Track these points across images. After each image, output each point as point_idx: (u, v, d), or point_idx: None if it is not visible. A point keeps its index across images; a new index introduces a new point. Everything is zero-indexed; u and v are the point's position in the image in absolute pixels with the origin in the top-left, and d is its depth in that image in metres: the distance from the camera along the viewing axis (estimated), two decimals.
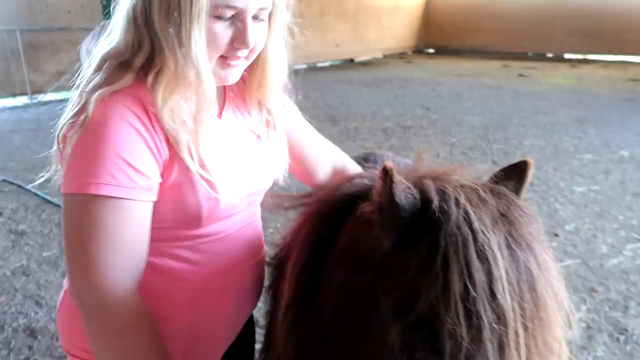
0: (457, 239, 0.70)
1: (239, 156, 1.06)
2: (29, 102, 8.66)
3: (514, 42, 21.41)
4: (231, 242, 1.08)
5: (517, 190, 0.87)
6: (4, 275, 3.14)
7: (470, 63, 17.72)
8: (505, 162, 4.48)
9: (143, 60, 0.92)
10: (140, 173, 0.87)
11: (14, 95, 8.57)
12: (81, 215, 0.86)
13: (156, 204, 0.93)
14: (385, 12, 20.30)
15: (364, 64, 17.47)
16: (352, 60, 18.12)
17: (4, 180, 4.68)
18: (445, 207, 0.73)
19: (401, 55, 21.11)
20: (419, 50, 23.30)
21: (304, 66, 15.30)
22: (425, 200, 0.76)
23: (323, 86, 11.08)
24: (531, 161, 0.88)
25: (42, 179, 1.08)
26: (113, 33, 0.97)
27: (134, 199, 0.87)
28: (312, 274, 0.91)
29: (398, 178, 0.74)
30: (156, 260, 0.99)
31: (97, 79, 0.91)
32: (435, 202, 0.74)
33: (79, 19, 9.43)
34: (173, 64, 0.90)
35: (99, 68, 0.93)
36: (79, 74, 0.98)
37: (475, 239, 0.70)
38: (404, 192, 0.74)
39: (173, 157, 0.92)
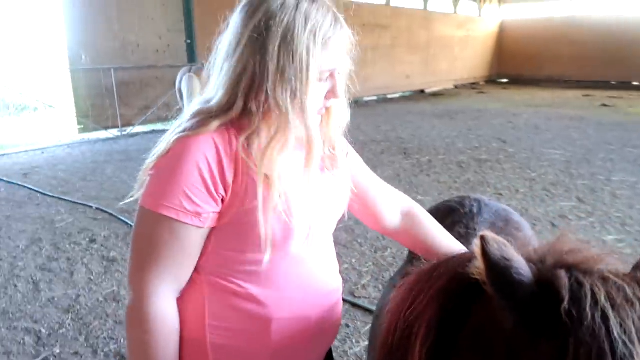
0: (590, 349, 0.60)
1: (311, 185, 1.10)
2: (119, 134, 9.35)
3: (594, 70, 20.40)
4: (307, 270, 1.12)
5: None
6: (97, 301, 3.35)
7: (547, 93, 17.01)
8: (592, 200, 4.24)
9: (230, 118, 1.01)
10: (197, 206, 0.98)
11: (106, 128, 9.30)
12: (147, 227, 1.01)
13: (231, 231, 1.04)
14: (457, 43, 20.10)
15: (435, 95, 17.30)
16: (422, 92, 18.02)
17: (97, 209, 5.05)
18: (579, 306, 0.63)
19: (473, 86, 20.73)
20: (491, 80, 22.78)
21: (375, 98, 15.42)
22: (555, 293, 0.66)
23: (394, 118, 11.07)
24: None
25: (124, 203, 1.17)
26: (210, 90, 1.07)
27: (188, 224, 0.99)
28: (441, 355, 0.83)
29: (496, 254, 0.68)
30: (237, 288, 1.06)
31: (185, 125, 1.02)
32: (566, 298, 0.64)
33: (165, 57, 10.15)
34: (281, 126, 1.00)
35: (191, 118, 1.03)
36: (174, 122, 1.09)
37: (613, 352, 0.59)
38: (511, 270, 0.67)
39: (237, 197, 1.01)
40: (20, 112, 12.06)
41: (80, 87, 9.04)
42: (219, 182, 0.99)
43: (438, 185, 5.78)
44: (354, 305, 3.21)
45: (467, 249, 1.26)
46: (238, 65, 1.00)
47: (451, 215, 1.64)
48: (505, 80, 22.79)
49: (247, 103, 1.01)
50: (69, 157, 7.59)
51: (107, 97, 9.29)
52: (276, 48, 0.97)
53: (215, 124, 0.99)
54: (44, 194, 5.58)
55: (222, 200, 1.01)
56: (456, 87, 20.17)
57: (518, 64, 22.53)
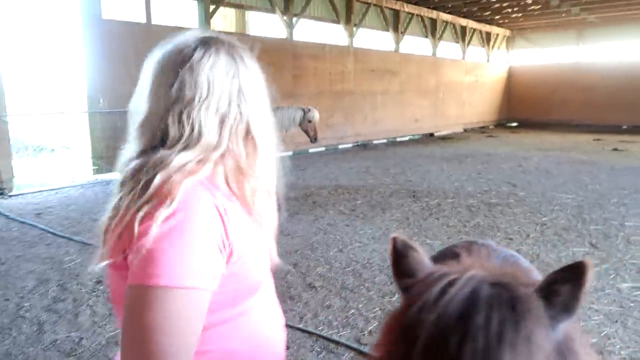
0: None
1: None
2: None
3: (604, 114, 20.48)
4: (255, 322, 1.11)
5: (573, 297, 0.76)
6: (99, 344, 3.31)
7: (557, 137, 17.04)
8: (605, 246, 4.15)
9: (217, 157, 1.05)
10: (212, 272, 0.94)
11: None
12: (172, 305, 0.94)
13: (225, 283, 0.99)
14: (465, 88, 20.40)
15: (444, 138, 17.40)
16: (432, 135, 18.15)
17: None
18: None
19: (482, 130, 20.86)
20: (500, 124, 22.93)
21: (384, 141, 15.56)
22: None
23: (403, 161, 11.12)
24: (589, 263, 0.76)
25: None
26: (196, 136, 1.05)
27: (203, 289, 0.93)
28: None
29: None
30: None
31: (178, 168, 0.99)
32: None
33: None
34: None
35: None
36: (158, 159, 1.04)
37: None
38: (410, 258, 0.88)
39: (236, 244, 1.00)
40: (38, 154, 12.35)
41: (97, 129, 9.26)
42: (228, 234, 0.99)
43: (447, 229, 5.73)
44: (360, 352, 3.13)
45: None
46: None
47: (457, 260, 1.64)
48: (514, 124, 22.93)
49: (230, 143, 1.12)
50: (81, 198, 7.69)
51: (121, 139, 9.45)
52: None
53: (209, 165, 1.06)
54: (55, 234, 5.63)
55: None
56: (465, 130, 20.31)
57: (527, 108, 22.73)
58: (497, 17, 20.15)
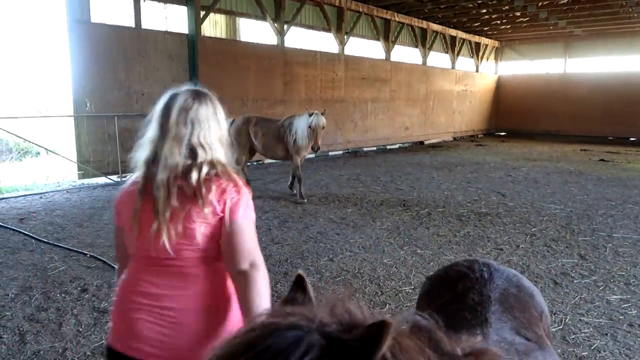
0: None
1: None
2: (118, 180, 9.35)
3: (591, 125, 20.77)
4: None
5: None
6: (84, 355, 3.22)
7: (545, 147, 17.22)
8: (594, 257, 4.17)
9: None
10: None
11: (106, 174, 9.31)
12: (252, 231, 1.65)
13: None
14: (455, 97, 20.56)
15: (434, 146, 17.48)
16: (422, 143, 18.23)
17: (91, 256, 4.97)
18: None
19: (472, 138, 21.02)
20: (490, 133, 23.13)
21: (374, 148, 15.58)
22: None
23: (393, 169, 11.13)
24: (389, 325, 0.62)
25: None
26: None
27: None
28: None
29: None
30: None
31: (225, 161, 1.70)
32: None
33: None
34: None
35: (220, 148, 1.70)
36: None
37: None
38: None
39: None
40: (22, 157, 12.15)
41: (83, 134, 9.13)
42: None
43: (438, 239, 5.72)
44: None
45: (486, 317, 1.42)
46: None
47: (462, 280, 1.62)
48: (503, 134, 23.14)
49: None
50: (67, 203, 7.56)
51: (108, 144, 9.36)
52: None
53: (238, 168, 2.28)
54: (39, 240, 5.51)
55: None
56: (455, 139, 20.44)
57: (515, 118, 22.97)
58: (486, 28, 20.38)
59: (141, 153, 1.71)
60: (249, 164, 8.76)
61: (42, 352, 3.24)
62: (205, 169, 1.60)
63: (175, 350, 1.57)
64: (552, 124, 21.75)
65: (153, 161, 1.66)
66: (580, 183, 9.50)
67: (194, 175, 1.59)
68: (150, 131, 1.72)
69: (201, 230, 1.57)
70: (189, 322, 1.59)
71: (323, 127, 7.36)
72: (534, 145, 17.81)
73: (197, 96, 1.69)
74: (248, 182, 8.03)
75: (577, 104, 20.99)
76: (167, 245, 1.55)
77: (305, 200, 7.53)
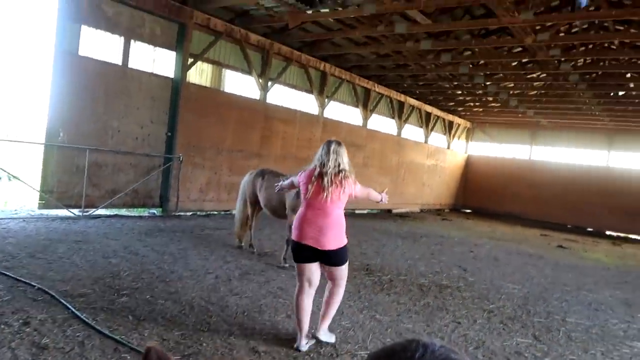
0: None
1: None
2: (80, 214, 9.10)
3: (551, 212, 21.59)
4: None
5: None
6: None
7: (508, 228, 17.70)
8: (547, 339, 4.24)
9: None
10: None
11: (68, 206, 9.05)
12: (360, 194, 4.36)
13: None
14: (426, 170, 21.17)
15: (402, 216, 17.75)
16: (390, 211, 18.48)
17: (39, 289, 4.73)
18: None
19: (438, 212, 21.47)
20: (456, 209, 23.70)
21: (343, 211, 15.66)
22: None
23: (360, 233, 11.19)
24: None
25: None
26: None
27: None
28: None
29: None
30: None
31: (349, 169, 4.11)
32: None
33: (143, 145, 10.29)
34: None
35: (347, 165, 4.11)
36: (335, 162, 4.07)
37: None
38: None
39: None
40: None
41: (52, 163, 8.94)
42: None
43: (397, 306, 5.70)
44: None
45: None
46: None
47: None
48: (468, 211, 23.75)
49: None
50: (22, 231, 7.26)
51: (76, 176, 9.18)
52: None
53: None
54: None
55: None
56: (422, 210, 20.83)
57: (481, 197, 23.70)
58: (460, 108, 21.45)
59: (315, 161, 4.15)
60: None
61: None
62: (342, 173, 4.04)
63: (320, 241, 3.98)
64: (516, 206, 22.50)
65: (321, 164, 4.05)
66: (538, 266, 9.73)
67: (340, 175, 4.03)
68: (319, 153, 4.12)
69: (340, 197, 4.04)
70: (327, 230, 4.00)
71: None
72: (497, 225, 18.29)
73: (338, 143, 4.13)
74: (251, 246, 7.82)
75: (540, 190, 21.90)
76: (328, 202, 3.99)
77: (287, 265, 6.89)
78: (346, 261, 4.19)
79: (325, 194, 3.94)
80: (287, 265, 6.99)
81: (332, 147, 4.02)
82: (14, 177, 9.79)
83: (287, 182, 5.02)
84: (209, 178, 11.60)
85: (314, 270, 4.09)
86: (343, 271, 4.18)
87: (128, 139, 10.00)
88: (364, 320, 5.02)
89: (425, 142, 21.07)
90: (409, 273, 7.59)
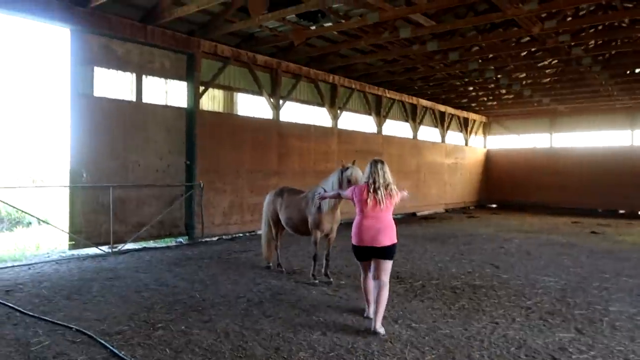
0: None
1: None
2: (109, 251, 9.25)
3: (581, 198, 21.12)
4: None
5: None
6: None
7: (536, 219, 17.35)
8: (591, 332, 4.13)
9: None
10: None
11: (97, 244, 9.23)
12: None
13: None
14: (446, 169, 20.97)
15: (427, 218, 17.57)
16: (414, 214, 18.32)
17: (77, 330, 4.82)
18: None
19: (463, 210, 21.18)
20: (481, 205, 23.35)
21: None
22: None
23: None
24: None
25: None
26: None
27: None
28: None
29: None
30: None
31: (392, 180, 5.12)
32: None
33: (164, 177, 10.46)
34: None
35: (391, 178, 5.12)
36: (382, 177, 5.05)
37: None
38: None
39: None
40: (14, 227, 12.07)
41: (77, 203, 9.15)
42: None
43: (432, 312, 5.62)
44: None
45: None
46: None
47: None
48: (494, 205, 23.37)
49: None
50: (55, 274, 7.42)
51: (102, 214, 9.36)
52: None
53: None
54: (24, 313, 5.36)
55: None
56: (447, 211, 20.59)
57: (505, 190, 23.32)
58: (473, 104, 21.23)
59: (364, 177, 5.18)
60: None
61: None
62: (391, 185, 5.03)
63: (378, 240, 4.91)
64: (542, 196, 22.08)
65: (373, 181, 4.99)
66: (572, 255, 9.50)
67: (390, 187, 5.02)
68: (368, 171, 5.08)
69: (391, 205, 5.03)
70: (383, 231, 4.92)
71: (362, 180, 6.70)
72: (525, 217, 17.95)
73: (382, 162, 5.08)
74: (279, 265, 7.81)
75: (565, 177, 21.46)
76: (383, 211, 4.98)
77: (317, 281, 6.94)
78: (393, 257, 5.10)
79: (381, 205, 4.95)
80: (317, 281, 6.97)
81: (379, 166, 5.04)
82: (43, 221, 10.03)
83: (332, 193, 6.25)
84: (231, 201, 11.70)
85: (372, 263, 5.15)
86: (389, 265, 5.06)
87: (149, 172, 10.18)
88: (400, 331, 4.96)
89: (443, 141, 20.91)
90: (441, 276, 7.49)
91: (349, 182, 6.29)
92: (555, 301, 6.14)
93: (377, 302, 4.92)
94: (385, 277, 4.98)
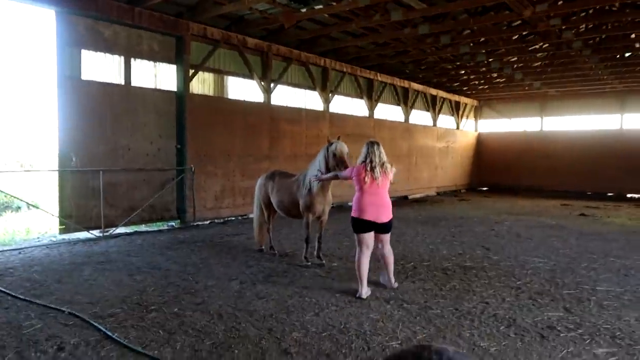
0: None
1: None
2: (100, 235, 9.22)
3: (570, 181, 21.33)
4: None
5: None
6: None
7: (527, 201, 17.51)
8: (579, 310, 4.20)
9: None
10: None
11: (88, 228, 9.18)
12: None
13: None
14: (437, 153, 21.03)
15: (418, 201, 17.66)
16: (406, 198, 18.40)
17: (70, 313, 4.81)
18: None
19: (455, 193, 21.32)
20: (472, 188, 23.51)
21: None
22: None
23: None
24: None
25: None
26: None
27: None
28: None
29: None
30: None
31: (387, 159, 5.67)
32: None
33: (155, 161, 10.38)
34: None
35: (385, 158, 5.64)
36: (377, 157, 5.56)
37: None
38: None
39: None
40: (3, 212, 11.95)
41: (67, 188, 9.07)
42: None
43: (424, 293, 5.68)
44: None
45: None
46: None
47: None
48: (485, 188, 23.54)
49: None
50: (46, 258, 7.39)
51: (92, 198, 9.30)
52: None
53: None
54: (15, 297, 5.34)
55: None
56: (438, 194, 20.71)
57: (497, 173, 23.48)
58: (465, 88, 21.23)
59: (361, 158, 5.60)
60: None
61: None
62: (386, 164, 5.56)
63: (379, 217, 5.51)
64: (533, 179, 22.27)
65: (370, 160, 5.48)
66: (562, 237, 9.62)
67: (386, 166, 5.57)
68: (364, 152, 5.58)
69: (387, 183, 5.60)
70: (384, 206, 5.58)
71: (347, 154, 6.54)
72: (515, 200, 18.10)
73: (377, 143, 5.63)
74: (272, 248, 7.82)
75: (556, 160, 21.63)
76: (380, 187, 5.52)
77: (310, 264, 6.97)
78: (391, 228, 5.85)
79: (377, 182, 5.47)
80: (309, 263, 7.01)
81: (375, 146, 5.54)
82: (33, 205, 9.95)
83: (328, 175, 6.48)
84: (222, 185, 11.67)
85: (370, 238, 5.59)
86: (389, 235, 5.83)
87: (139, 156, 10.10)
88: (392, 311, 5.02)
89: (434, 125, 20.92)
90: (432, 258, 7.56)
91: (334, 156, 6.40)
92: (545, 281, 6.23)
93: (386, 265, 5.83)
94: (388, 245, 5.83)
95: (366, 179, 5.46)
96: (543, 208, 15.32)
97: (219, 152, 11.54)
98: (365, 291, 5.50)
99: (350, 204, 12.16)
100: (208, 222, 11.42)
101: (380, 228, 5.60)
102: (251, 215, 9.73)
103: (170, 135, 10.72)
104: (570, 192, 20.62)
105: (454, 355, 1.28)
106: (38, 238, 9.26)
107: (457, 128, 22.87)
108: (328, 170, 6.60)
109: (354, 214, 5.58)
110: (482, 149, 24.31)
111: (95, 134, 9.41)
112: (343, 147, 6.50)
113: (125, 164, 9.84)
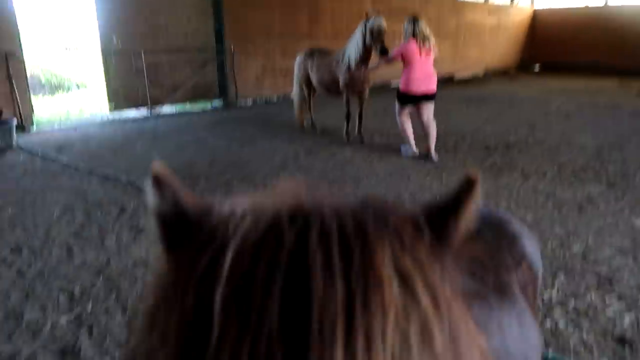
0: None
1: None
2: (148, 113, 9.54)
3: (630, 58, 19.74)
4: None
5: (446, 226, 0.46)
6: (127, 266, 3.47)
7: (582, 81, 16.55)
8: (623, 185, 4.10)
9: None
10: None
11: (137, 107, 9.50)
12: None
13: None
14: (488, 30, 19.70)
15: (465, 81, 17.02)
16: (452, 78, 17.74)
17: (128, 182, 5.20)
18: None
19: (504, 72, 20.31)
20: (523, 67, 22.25)
21: None
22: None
23: None
24: (476, 177, 0.47)
25: None
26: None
27: None
28: None
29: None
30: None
31: (430, 32, 6.04)
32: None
33: (193, 40, 10.28)
34: None
35: (429, 32, 6.06)
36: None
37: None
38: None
39: None
40: (54, 92, 12.42)
41: (112, 69, 9.23)
42: None
43: (463, 168, 5.73)
44: None
45: None
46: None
47: None
48: (537, 67, 22.25)
49: None
50: (100, 134, 7.80)
51: (137, 78, 9.47)
52: None
53: None
54: (77, 168, 5.77)
55: None
56: (487, 74, 19.79)
57: (551, 51, 21.93)
58: None
59: (407, 33, 5.90)
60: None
61: (88, 262, 3.51)
62: (428, 39, 5.90)
63: (429, 87, 6.02)
64: (590, 56, 20.71)
65: (416, 34, 5.79)
66: (615, 116, 9.20)
67: (428, 41, 5.89)
68: (409, 29, 5.88)
69: (431, 56, 5.99)
70: (430, 79, 6.00)
71: (385, 31, 6.31)
72: (569, 79, 17.12)
73: (419, 18, 5.89)
74: (313, 125, 7.94)
75: (617, 36, 19.85)
76: (426, 60, 5.93)
77: (350, 139, 7.02)
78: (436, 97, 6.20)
79: (424, 55, 5.81)
80: (350, 139, 7.10)
81: (418, 22, 5.80)
82: (82, 86, 10.27)
83: (379, 62, 6.59)
84: (263, 66, 11.54)
85: (412, 109, 6.10)
86: (433, 104, 6.14)
87: (178, 36, 10.00)
88: (430, 183, 5.13)
89: (485, 1, 19.32)
90: (474, 135, 7.48)
91: (372, 33, 6.21)
92: (590, 158, 6.12)
93: (429, 135, 6.06)
94: (432, 114, 6.12)
95: (419, 51, 5.79)
96: (598, 87, 14.48)
97: (257, 32, 11.23)
98: (414, 149, 6.16)
99: (394, 82, 11.87)
100: (250, 102, 11.54)
101: (428, 97, 6.00)
102: (292, 95, 9.73)
103: (207, 14, 10.45)
104: (630, 71, 19.21)
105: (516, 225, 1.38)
106: (90, 116, 9.69)
107: (511, 3, 21.05)
108: (365, 46, 6.41)
109: (403, 87, 5.96)
110: (537, 26, 22.47)
111: (132, 14, 9.29)
112: (381, 23, 6.28)
113: (165, 45, 9.81)
